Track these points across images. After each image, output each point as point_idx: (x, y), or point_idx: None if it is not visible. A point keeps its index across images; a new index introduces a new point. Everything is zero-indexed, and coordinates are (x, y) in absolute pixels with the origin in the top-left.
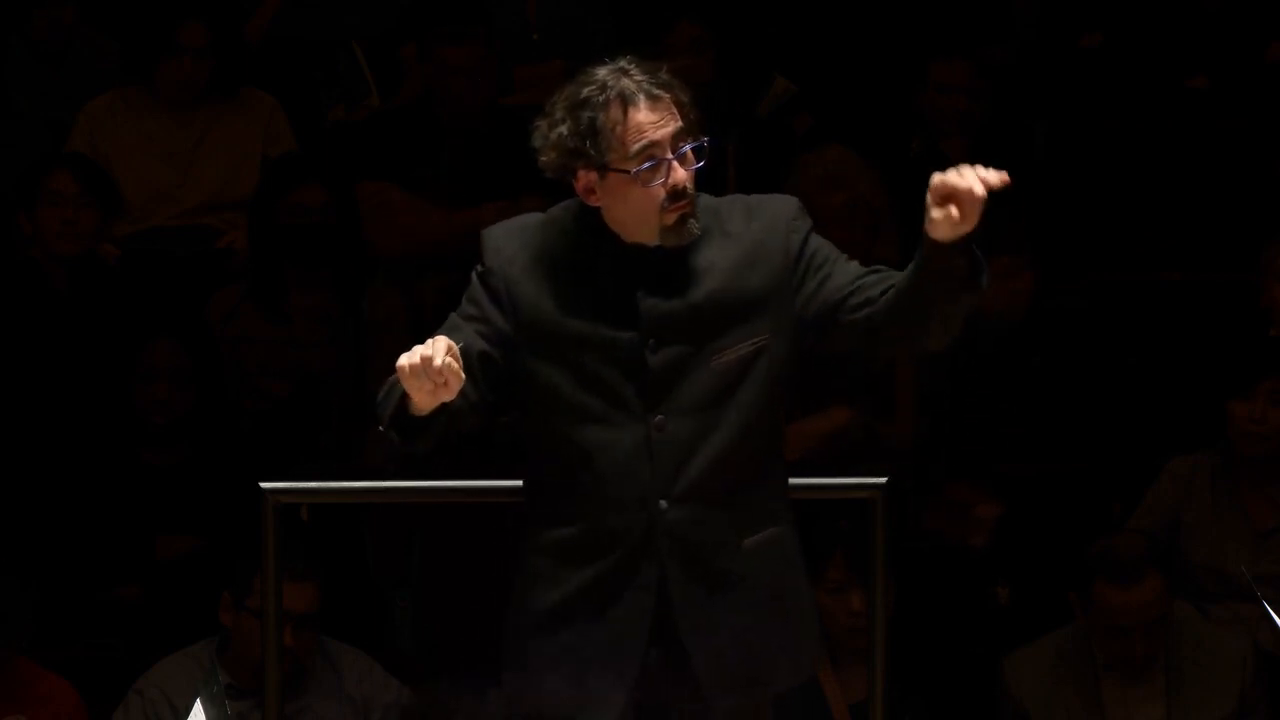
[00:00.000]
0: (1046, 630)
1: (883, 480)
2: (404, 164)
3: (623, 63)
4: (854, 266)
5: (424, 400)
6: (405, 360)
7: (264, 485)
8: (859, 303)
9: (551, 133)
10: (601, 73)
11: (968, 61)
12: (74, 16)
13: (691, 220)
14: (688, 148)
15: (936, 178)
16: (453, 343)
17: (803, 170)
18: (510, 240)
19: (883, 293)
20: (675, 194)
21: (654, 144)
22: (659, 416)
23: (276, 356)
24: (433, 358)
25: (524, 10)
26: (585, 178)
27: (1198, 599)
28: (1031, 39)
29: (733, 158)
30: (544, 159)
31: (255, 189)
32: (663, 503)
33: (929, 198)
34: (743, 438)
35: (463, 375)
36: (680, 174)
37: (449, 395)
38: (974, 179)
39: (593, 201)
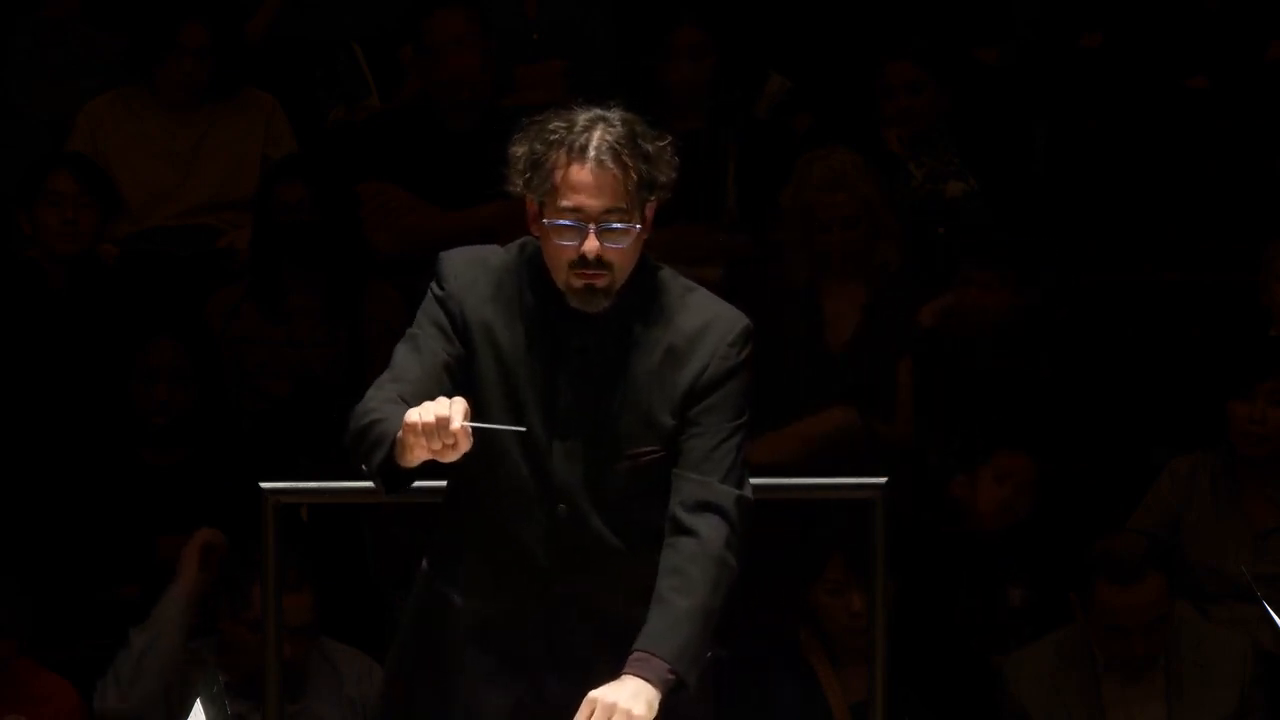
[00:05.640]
0: (1047, 630)
1: (883, 480)
2: (404, 164)
3: (616, 113)
4: (717, 446)
5: (421, 456)
6: (416, 417)
7: (264, 485)
8: (681, 481)
9: (516, 147)
10: (583, 115)
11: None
12: (74, 15)
13: (601, 295)
14: (615, 226)
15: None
16: (466, 405)
17: (804, 171)
18: (469, 270)
19: (690, 504)
20: (581, 261)
21: (578, 209)
22: (561, 505)
23: (276, 356)
24: (450, 419)
25: (524, 10)
26: (531, 204)
27: (1198, 599)
28: (1031, 39)
29: (733, 157)
30: (507, 166)
31: (256, 189)
32: (559, 583)
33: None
34: (644, 534)
35: (471, 439)
36: (592, 245)
37: (454, 456)
38: None
39: (533, 231)
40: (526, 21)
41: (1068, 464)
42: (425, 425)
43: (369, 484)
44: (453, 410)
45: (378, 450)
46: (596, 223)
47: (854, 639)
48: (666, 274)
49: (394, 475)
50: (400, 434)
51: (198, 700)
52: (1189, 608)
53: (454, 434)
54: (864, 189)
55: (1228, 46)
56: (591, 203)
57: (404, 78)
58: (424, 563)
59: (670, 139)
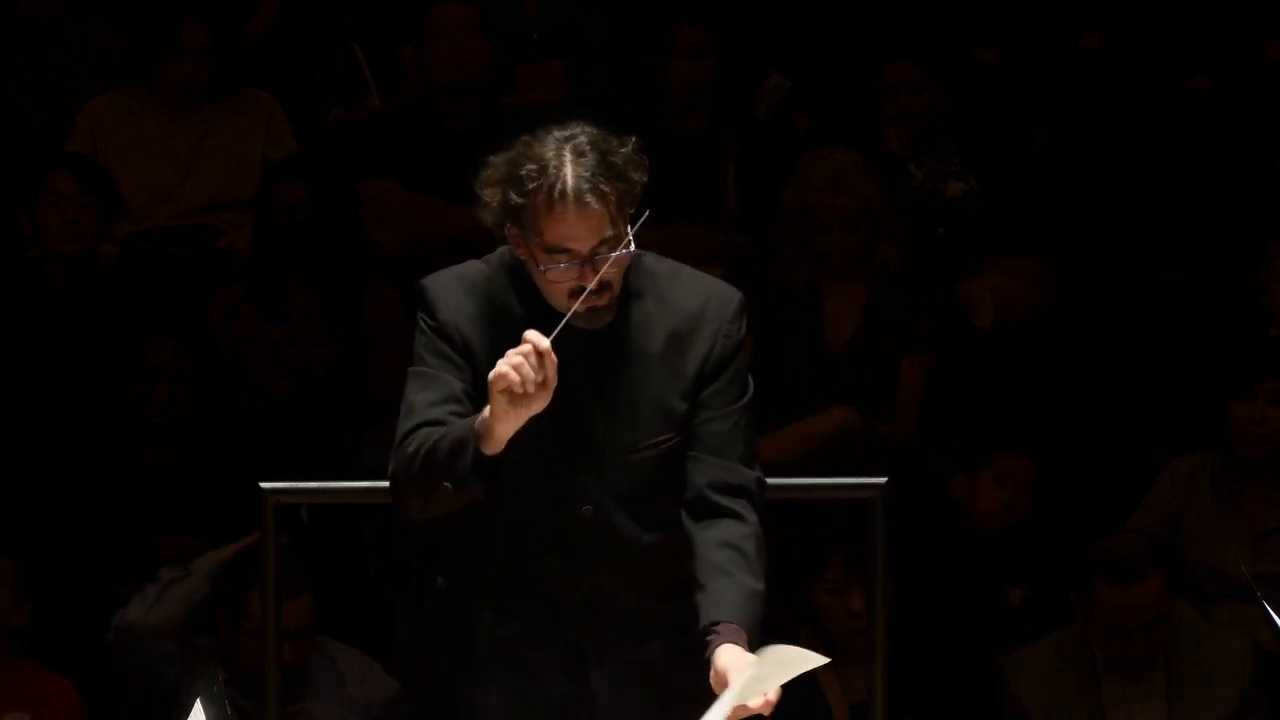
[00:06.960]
0: (1047, 630)
1: (883, 480)
2: (404, 164)
3: (582, 134)
4: (733, 428)
5: (515, 422)
6: (507, 368)
7: (264, 485)
8: (703, 464)
9: (488, 189)
10: (550, 150)
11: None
12: (75, 15)
13: (604, 312)
14: (609, 255)
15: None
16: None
17: (804, 171)
18: (454, 292)
19: (719, 487)
20: (579, 291)
21: (569, 251)
22: (586, 506)
23: (276, 356)
24: (536, 344)
25: (524, 10)
26: (512, 231)
27: (1198, 599)
28: (1031, 39)
29: (733, 157)
30: (479, 206)
31: (256, 189)
32: (585, 582)
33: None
34: (665, 524)
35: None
36: (590, 277)
37: (544, 402)
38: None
39: (520, 254)
40: (526, 21)
41: (1068, 464)
42: (517, 367)
43: (369, 484)
44: (536, 341)
45: (460, 456)
46: (591, 255)
47: (854, 639)
48: (649, 259)
49: (479, 471)
50: (483, 415)
51: (198, 700)
52: (1189, 608)
53: (546, 356)
54: (864, 189)
55: (1228, 46)
56: (581, 243)
57: (404, 78)
58: (439, 580)
59: (634, 138)
